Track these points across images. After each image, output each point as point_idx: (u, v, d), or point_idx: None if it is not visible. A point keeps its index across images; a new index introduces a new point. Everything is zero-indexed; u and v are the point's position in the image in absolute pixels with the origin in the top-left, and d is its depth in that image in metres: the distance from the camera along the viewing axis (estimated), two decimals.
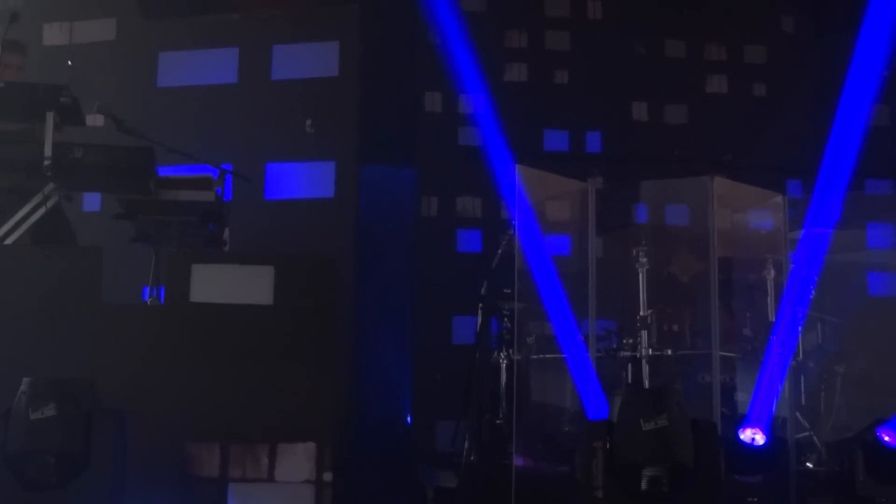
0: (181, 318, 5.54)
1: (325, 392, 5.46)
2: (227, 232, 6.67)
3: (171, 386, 5.37)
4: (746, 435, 6.17)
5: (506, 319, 7.22)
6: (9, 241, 5.78)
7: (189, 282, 5.53)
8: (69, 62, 6.51)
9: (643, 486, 3.99)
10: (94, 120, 6.81)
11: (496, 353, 7.24)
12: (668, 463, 3.98)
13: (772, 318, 6.95)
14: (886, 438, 6.01)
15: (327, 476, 5.34)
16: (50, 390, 4.17)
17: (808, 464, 6.89)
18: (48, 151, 5.75)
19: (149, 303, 6.23)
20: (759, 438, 6.16)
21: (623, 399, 4.09)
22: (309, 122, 7.57)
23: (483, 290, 7.33)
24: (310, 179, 7.85)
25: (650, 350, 6.73)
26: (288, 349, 5.50)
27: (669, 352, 6.76)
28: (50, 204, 5.92)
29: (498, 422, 7.10)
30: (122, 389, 5.10)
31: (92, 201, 7.86)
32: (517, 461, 6.45)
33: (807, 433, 7.03)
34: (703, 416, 4.96)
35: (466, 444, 7.02)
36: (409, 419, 8.03)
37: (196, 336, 5.49)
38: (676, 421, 4.01)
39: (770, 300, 7.03)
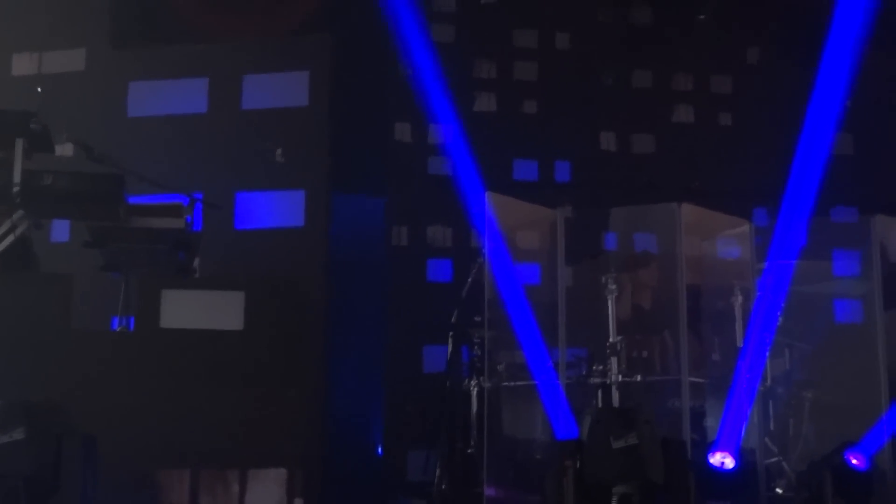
0: (151, 343, 5.53)
1: (295, 418, 5.45)
2: (196, 261, 6.66)
3: (141, 412, 5.35)
4: (716, 459, 6.20)
5: (476, 347, 7.22)
6: None
7: (159, 307, 5.52)
8: (39, 89, 6.50)
9: None
10: (64, 149, 6.80)
11: (467, 381, 7.24)
12: (639, 481, 3.99)
13: (740, 343, 6.99)
14: (854, 461, 6.07)
15: (298, 502, 5.32)
16: (19, 413, 4.13)
17: (778, 489, 6.92)
18: (17, 178, 5.74)
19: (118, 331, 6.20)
20: (729, 462, 6.19)
21: (593, 418, 4.10)
22: (279, 151, 7.58)
23: (453, 319, 7.34)
24: (280, 208, 7.86)
25: (620, 376, 6.75)
26: (258, 374, 5.49)
27: (639, 378, 6.78)
28: (19, 231, 5.90)
29: (469, 450, 7.08)
30: (92, 415, 5.05)
31: (61, 231, 7.81)
32: (488, 490, 6.44)
33: (776, 458, 7.07)
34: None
35: (438, 473, 6.99)
36: (379, 450, 8.00)
37: (166, 361, 5.48)
38: (646, 439, 4.03)
39: (738, 326, 7.07)
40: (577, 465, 4.06)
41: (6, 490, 4.08)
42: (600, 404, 6.72)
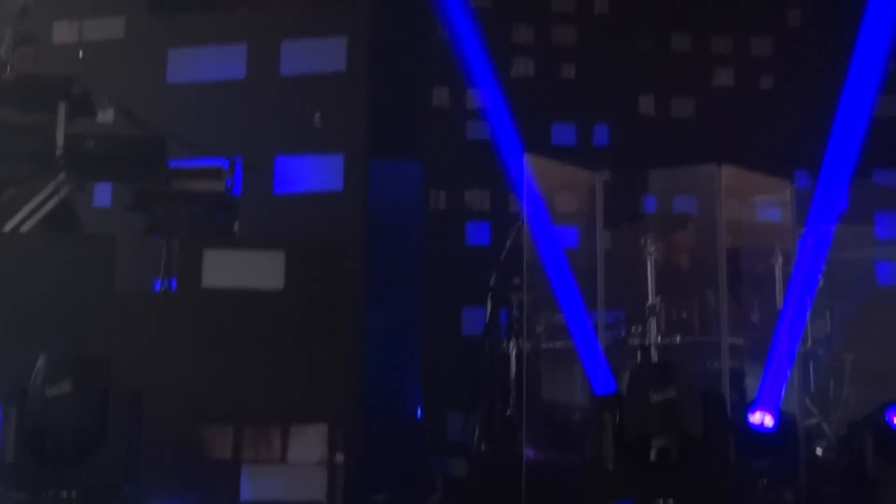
0: (193, 303, 5.59)
1: (335, 375, 5.50)
2: (236, 225, 6.72)
3: (183, 370, 5.42)
4: (756, 418, 6.19)
5: (515, 309, 7.24)
6: (23, 229, 5.86)
7: (201, 267, 5.59)
8: (80, 53, 6.58)
9: (652, 457, 4.02)
10: (105, 116, 6.87)
11: (506, 342, 7.26)
12: (677, 434, 4.00)
13: (780, 305, 6.96)
14: None
15: (339, 457, 5.38)
16: (66, 367, 4.21)
17: (818, 450, 6.90)
18: (60, 142, 5.82)
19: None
20: (769, 421, 6.19)
21: (632, 372, 4.11)
22: (318, 115, 7.62)
23: (492, 281, 7.36)
24: (319, 172, 7.91)
25: (659, 337, 6.74)
26: (299, 333, 5.54)
27: (678, 339, 6.77)
28: (62, 194, 5.99)
29: (508, 412, 7.11)
30: (135, 374, 5.12)
31: (103, 196, 7.92)
32: (527, 451, 6.47)
33: (816, 420, 7.05)
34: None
35: (477, 434, 7.03)
36: (419, 411, 8.06)
37: (208, 320, 5.54)
38: (685, 392, 4.03)
39: (778, 288, 7.04)
40: (617, 419, 4.08)
41: (55, 440, 4.17)
42: None
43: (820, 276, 7.26)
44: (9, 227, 5.90)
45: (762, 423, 6.18)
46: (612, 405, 4.09)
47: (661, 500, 4.11)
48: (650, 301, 6.83)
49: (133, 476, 4.29)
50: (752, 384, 6.69)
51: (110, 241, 5.73)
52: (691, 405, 4.05)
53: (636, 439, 4.03)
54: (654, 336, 6.74)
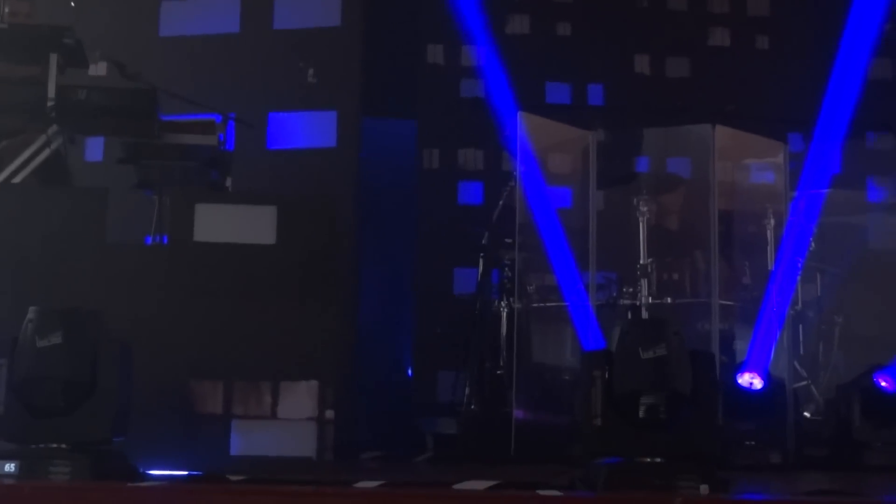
0: (185, 257, 5.59)
1: (327, 331, 5.51)
2: (229, 181, 6.71)
3: (174, 324, 5.43)
4: (744, 379, 6.22)
5: (507, 269, 7.24)
6: (15, 181, 5.84)
7: (193, 221, 5.58)
8: (72, 3, 6.52)
9: (641, 413, 4.03)
10: (97, 69, 6.82)
11: (497, 302, 7.27)
12: (666, 391, 4.01)
13: (771, 267, 6.98)
14: (884, 384, 6.07)
15: (329, 413, 5.40)
16: (56, 319, 4.19)
17: (806, 413, 6.94)
18: (52, 93, 5.79)
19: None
20: (757, 383, 6.21)
21: (622, 329, 4.12)
22: (311, 71, 7.58)
23: (484, 241, 7.36)
24: (312, 129, 7.88)
25: (650, 298, 6.75)
26: (290, 288, 5.55)
27: (669, 300, 6.79)
28: (54, 146, 5.97)
29: (499, 371, 7.13)
30: (126, 327, 5.12)
31: (95, 151, 7.89)
32: (517, 410, 6.49)
33: (805, 382, 7.09)
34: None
35: (467, 393, 7.06)
36: (409, 371, 8.09)
37: (199, 275, 5.55)
38: (675, 350, 4.04)
39: (770, 250, 7.06)
40: (606, 376, 4.08)
41: (46, 391, 4.17)
42: None
43: (811, 238, 7.28)
44: (1, 178, 5.88)
45: (751, 385, 6.20)
46: (602, 361, 4.09)
47: (648, 459, 4.12)
48: (642, 262, 6.84)
49: (123, 429, 4.29)
50: (741, 346, 6.71)
51: (102, 193, 5.70)
52: (681, 363, 4.04)
53: (625, 396, 4.03)
54: (645, 297, 6.76)
